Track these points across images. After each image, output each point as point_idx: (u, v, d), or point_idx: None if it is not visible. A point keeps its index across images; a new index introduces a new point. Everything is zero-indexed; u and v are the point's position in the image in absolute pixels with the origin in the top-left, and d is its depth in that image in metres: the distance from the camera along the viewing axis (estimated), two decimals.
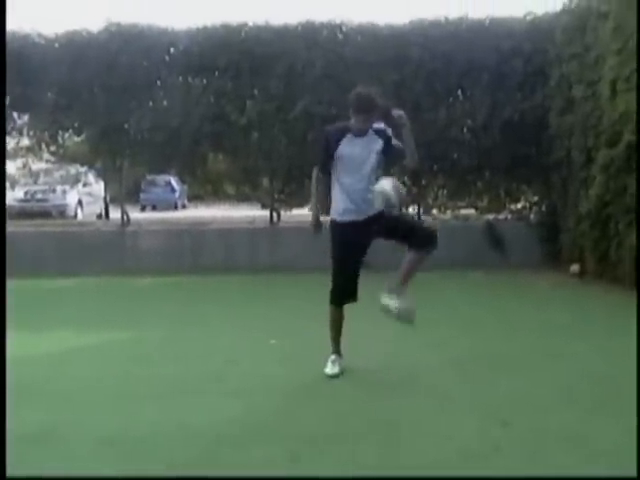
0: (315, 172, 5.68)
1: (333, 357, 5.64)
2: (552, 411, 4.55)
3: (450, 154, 12.54)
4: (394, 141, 5.55)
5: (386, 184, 5.31)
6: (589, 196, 10.37)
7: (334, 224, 5.61)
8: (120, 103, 12.66)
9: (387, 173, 5.72)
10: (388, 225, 5.45)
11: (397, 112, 5.46)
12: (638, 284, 7.47)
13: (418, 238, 5.44)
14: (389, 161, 5.71)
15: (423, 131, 12.20)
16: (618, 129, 9.46)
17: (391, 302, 5.45)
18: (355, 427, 4.31)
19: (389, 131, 5.58)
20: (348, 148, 5.46)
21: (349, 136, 5.48)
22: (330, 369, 5.54)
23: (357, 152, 5.46)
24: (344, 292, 5.60)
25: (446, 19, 12.52)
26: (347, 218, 5.52)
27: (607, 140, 9.82)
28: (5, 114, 8.64)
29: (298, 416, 4.56)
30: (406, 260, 5.47)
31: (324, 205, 5.85)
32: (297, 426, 4.35)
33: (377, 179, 5.45)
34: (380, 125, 5.56)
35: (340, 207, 5.54)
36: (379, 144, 5.51)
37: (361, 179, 5.48)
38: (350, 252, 5.55)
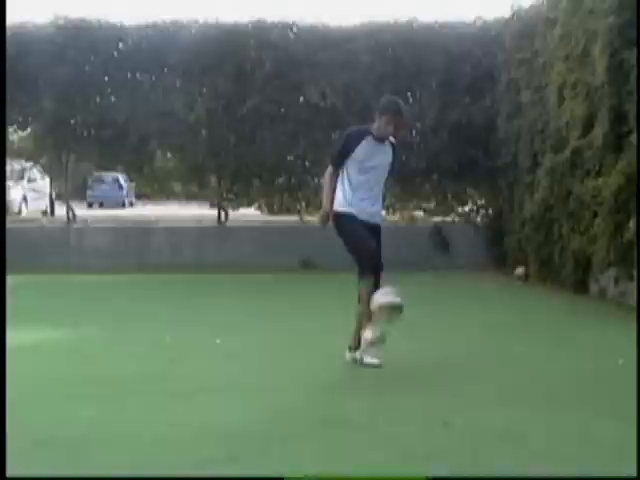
0: (329, 168, 5.76)
1: (370, 334, 5.55)
2: (493, 411, 4.58)
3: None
4: (397, 160, 5.81)
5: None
6: (534, 200, 10.51)
7: (338, 214, 5.66)
8: (66, 98, 12.48)
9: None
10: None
11: (392, 139, 5.71)
12: (638, 293, 7.58)
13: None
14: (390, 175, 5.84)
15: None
16: (564, 134, 9.62)
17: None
18: (296, 427, 4.28)
19: (397, 147, 5.77)
20: (366, 152, 5.57)
21: (369, 139, 5.58)
22: (367, 359, 5.66)
23: (374, 157, 5.58)
24: (373, 255, 5.58)
25: (396, 22, 12.58)
26: (351, 211, 5.59)
27: (553, 145, 9.98)
28: (5, 115, 8.43)
29: (239, 415, 4.51)
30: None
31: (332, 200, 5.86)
32: (237, 425, 4.30)
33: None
34: (393, 140, 5.73)
35: (345, 203, 5.62)
36: (391, 157, 5.68)
37: (371, 187, 5.61)
38: (362, 229, 5.59)
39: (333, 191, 5.73)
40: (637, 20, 7.59)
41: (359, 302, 5.63)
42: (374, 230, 5.67)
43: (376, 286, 5.57)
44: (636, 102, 7.54)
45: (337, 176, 5.70)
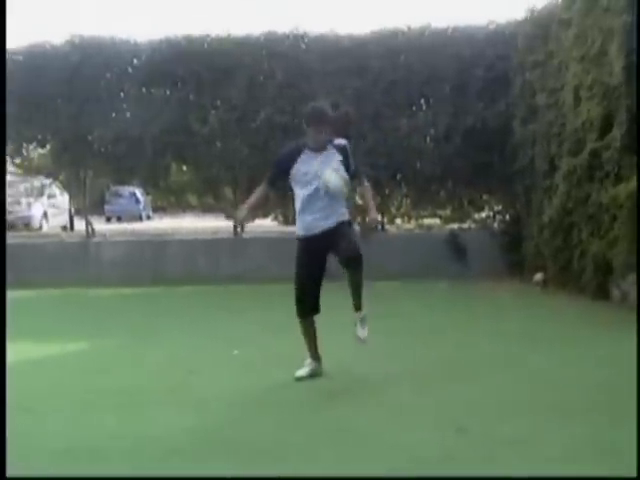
0: (262, 186, 5.77)
1: (308, 361, 5.70)
2: (506, 418, 4.52)
3: (413, 163, 12.56)
4: (350, 160, 5.60)
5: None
6: (552, 204, 10.40)
7: (297, 239, 5.66)
8: (83, 115, 12.60)
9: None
10: (334, 240, 5.45)
11: (340, 141, 5.59)
12: (639, 297, 7.45)
13: (344, 249, 5.39)
14: (350, 178, 5.68)
15: (385, 140, 12.26)
16: (581, 137, 9.50)
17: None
18: (310, 436, 4.26)
19: (348, 147, 5.62)
20: (304, 166, 5.48)
21: (306, 151, 5.50)
22: (298, 371, 5.62)
23: (314, 169, 5.46)
24: (301, 303, 5.62)
25: (409, 28, 12.55)
26: (304, 234, 5.56)
27: (570, 148, 9.85)
28: (5, 117, 8.50)
29: (253, 426, 4.50)
30: (349, 284, 5.54)
31: (254, 208, 5.96)
32: (251, 436, 4.29)
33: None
34: (341, 141, 5.61)
35: (299, 226, 5.61)
36: (340, 160, 5.52)
37: (319, 199, 5.47)
38: (306, 263, 5.58)
39: (255, 201, 5.78)
40: (637, 20, 7.48)
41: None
42: (330, 236, 5.46)
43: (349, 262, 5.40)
44: (636, 103, 7.41)
45: (266, 189, 5.73)
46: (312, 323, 5.69)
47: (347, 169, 5.53)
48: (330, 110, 5.58)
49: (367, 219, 5.76)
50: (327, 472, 3.66)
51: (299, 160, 5.48)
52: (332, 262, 5.57)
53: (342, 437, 4.22)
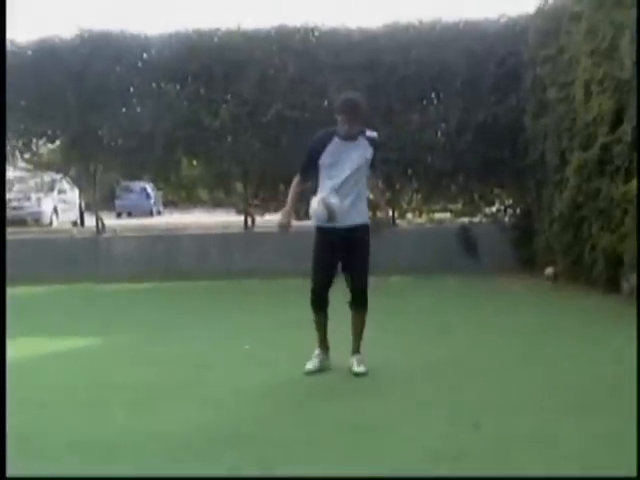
0: (296, 178, 5.70)
1: (317, 352, 5.71)
2: (522, 414, 4.52)
3: (424, 158, 12.55)
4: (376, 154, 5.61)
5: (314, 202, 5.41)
6: (563, 198, 10.38)
7: (316, 228, 5.62)
8: (93, 109, 12.59)
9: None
10: (350, 246, 5.49)
11: (372, 133, 5.57)
12: (638, 292, 7.42)
13: (353, 286, 5.55)
14: (371, 172, 5.73)
15: (396, 135, 12.23)
16: (592, 131, 9.48)
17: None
18: (325, 431, 4.27)
19: (377, 141, 5.62)
20: (334, 154, 5.45)
21: (335, 140, 5.47)
22: (307, 364, 5.62)
23: (342, 158, 5.45)
24: (316, 296, 5.61)
25: (420, 22, 12.53)
26: (325, 224, 5.50)
27: (581, 142, 9.83)
28: (5, 115, 8.53)
29: (268, 421, 4.51)
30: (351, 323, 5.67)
31: (296, 208, 5.84)
32: (267, 431, 4.30)
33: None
34: (373, 133, 5.59)
35: (322, 214, 5.48)
36: (370, 152, 5.53)
37: (344, 189, 5.46)
38: (326, 257, 5.55)
39: (296, 197, 5.68)
40: (637, 21, 7.44)
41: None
42: (350, 234, 5.48)
43: (356, 300, 5.58)
44: (636, 103, 7.36)
45: (302, 183, 5.69)
46: (322, 317, 5.68)
47: (372, 163, 5.58)
48: (363, 101, 5.56)
49: (378, 215, 5.73)
50: (342, 467, 3.67)
51: (327, 148, 5.46)
52: None
53: (356, 433, 4.23)
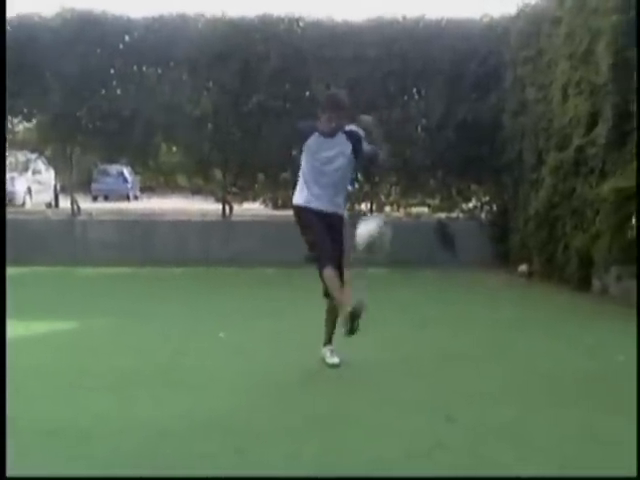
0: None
1: (330, 347, 5.65)
2: (496, 408, 4.61)
3: (404, 152, 12.62)
4: (365, 144, 5.60)
5: (371, 225, 5.39)
6: (538, 197, 10.54)
7: (297, 208, 5.63)
8: (72, 90, 12.47)
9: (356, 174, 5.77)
10: (330, 228, 5.53)
11: (365, 118, 5.61)
12: (638, 293, 7.55)
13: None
14: (359, 163, 5.77)
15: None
16: (568, 132, 9.64)
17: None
18: (301, 422, 4.32)
19: (360, 132, 5.61)
20: (313, 148, 5.50)
21: (315, 135, 5.51)
22: (332, 359, 5.58)
23: (322, 153, 5.49)
24: (331, 255, 5.49)
25: (404, 18, 12.59)
26: (308, 205, 5.55)
27: (557, 143, 9.99)
28: (5, 113, 8.44)
29: (244, 410, 4.55)
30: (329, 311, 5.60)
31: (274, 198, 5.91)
32: (243, 420, 4.34)
33: (350, 181, 5.67)
34: (352, 127, 5.60)
35: (302, 196, 5.58)
36: (349, 147, 5.55)
37: (326, 183, 5.52)
38: (319, 225, 5.53)
39: None
40: (637, 21, 7.56)
41: (325, 296, 5.57)
42: (329, 218, 5.55)
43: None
44: (636, 103, 7.50)
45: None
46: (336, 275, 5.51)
47: (357, 156, 5.57)
48: (347, 99, 5.59)
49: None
50: (318, 458, 3.73)
51: (309, 141, 5.51)
52: None
53: (332, 424, 4.29)
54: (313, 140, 5.51)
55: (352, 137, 5.55)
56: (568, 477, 3.56)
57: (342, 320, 5.34)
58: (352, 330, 5.27)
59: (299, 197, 5.63)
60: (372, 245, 5.41)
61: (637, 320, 6.98)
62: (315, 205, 5.54)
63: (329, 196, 5.55)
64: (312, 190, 5.54)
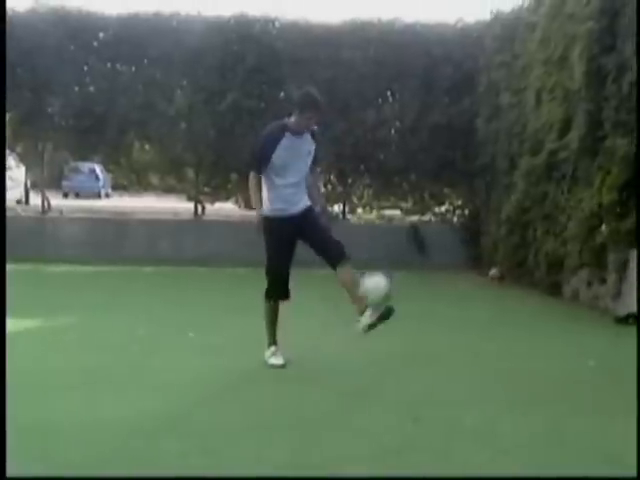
0: (252, 174, 5.60)
1: (273, 349, 5.62)
2: (465, 408, 4.62)
3: (377, 154, 12.68)
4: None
5: (381, 281, 5.43)
6: (510, 202, 10.60)
7: (264, 218, 5.59)
8: (45, 86, 12.37)
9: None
10: (307, 226, 5.54)
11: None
12: (638, 296, 7.59)
13: (331, 253, 5.49)
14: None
15: (351, 131, 12.33)
16: (541, 137, 9.71)
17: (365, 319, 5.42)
18: (271, 421, 4.31)
19: (317, 133, 5.66)
20: (286, 150, 5.46)
21: (288, 135, 5.47)
22: (275, 359, 5.54)
23: (294, 153, 5.49)
24: (279, 287, 5.58)
25: (379, 21, 12.62)
26: (277, 214, 5.53)
27: (530, 148, 10.05)
28: (5, 113, 8.32)
29: (213, 409, 4.53)
30: (341, 284, 5.53)
31: (245, 198, 5.90)
32: (212, 420, 4.31)
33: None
34: (313, 126, 5.61)
35: (270, 205, 5.55)
36: (313, 146, 5.59)
37: (294, 180, 5.53)
38: (282, 247, 5.56)
39: (258, 194, 5.61)
40: (637, 23, 7.56)
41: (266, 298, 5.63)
42: (301, 218, 5.56)
43: (339, 257, 5.49)
44: (636, 109, 7.50)
45: (258, 178, 5.59)
46: (278, 308, 5.66)
47: (314, 156, 5.62)
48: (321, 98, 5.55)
49: (317, 208, 5.72)
50: (286, 458, 3.70)
51: (280, 145, 5.45)
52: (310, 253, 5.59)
53: (300, 423, 4.27)
54: (285, 141, 5.47)
55: (315, 136, 5.61)
56: (569, 477, 3.54)
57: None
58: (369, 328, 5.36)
59: (265, 207, 5.56)
60: (387, 298, 5.42)
61: (637, 322, 7.01)
62: (283, 214, 5.52)
63: (299, 193, 5.57)
64: (282, 192, 5.51)
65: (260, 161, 5.53)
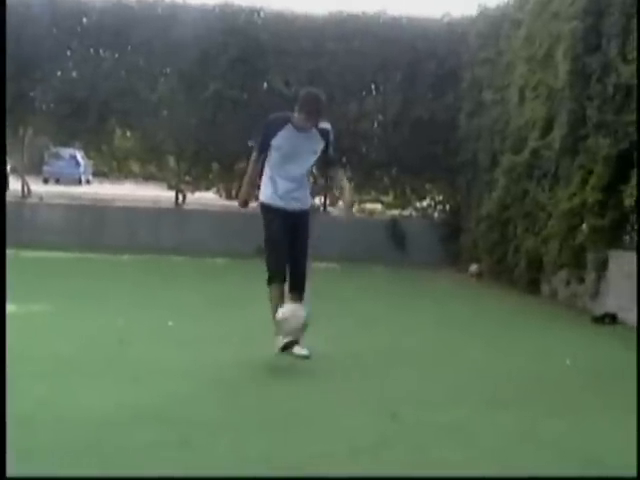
0: (253, 155, 5.71)
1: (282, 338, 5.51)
2: (442, 406, 4.62)
3: (359, 148, 12.67)
4: (331, 147, 5.61)
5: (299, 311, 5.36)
6: (491, 199, 10.62)
7: (263, 206, 5.65)
8: (26, 71, 12.25)
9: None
10: (293, 231, 5.56)
11: (325, 125, 5.55)
12: (639, 299, 7.65)
13: (294, 269, 5.57)
14: (320, 164, 5.84)
15: (333, 123, 12.24)
16: (523, 135, 9.72)
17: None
18: (247, 414, 4.29)
19: (332, 134, 5.61)
20: (286, 140, 5.46)
21: (289, 127, 5.47)
22: (302, 351, 5.47)
23: (294, 147, 5.48)
24: (279, 269, 5.54)
25: (364, 13, 12.60)
26: (274, 203, 5.57)
27: (512, 145, 10.07)
28: (5, 112, 8.20)
29: (190, 401, 4.49)
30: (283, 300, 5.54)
31: (254, 187, 5.93)
32: (188, 411, 4.28)
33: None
34: (327, 125, 5.59)
35: (268, 193, 5.61)
36: (321, 145, 5.55)
37: (293, 175, 5.54)
38: (280, 230, 5.55)
39: (254, 176, 5.73)
40: (637, 19, 7.54)
41: (268, 284, 5.61)
42: (296, 219, 5.59)
43: (296, 285, 5.56)
44: (636, 112, 7.50)
45: (260, 162, 5.65)
46: (282, 291, 5.59)
47: (324, 154, 5.58)
48: (324, 98, 5.61)
49: (344, 211, 5.79)
50: (264, 451, 3.69)
51: (280, 133, 5.46)
52: None
53: (276, 419, 4.26)
54: (286, 132, 5.48)
55: (325, 135, 5.56)
56: (569, 477, 3.54)
57: (277, 334, 5.38)
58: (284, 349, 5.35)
59: (264, 193, 5.65)
60: (305, 327, 5.37)
61: (637, 322, 7.04)
62: (280, 204, 5.55)
63: (294, 192, 5.58)
64: (278, 186, 5.55)
65: (261, 144, 5.59)
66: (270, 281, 5.59)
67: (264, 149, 5.58)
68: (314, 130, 5.50)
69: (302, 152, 5.52)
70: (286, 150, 5.48)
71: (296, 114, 5.46)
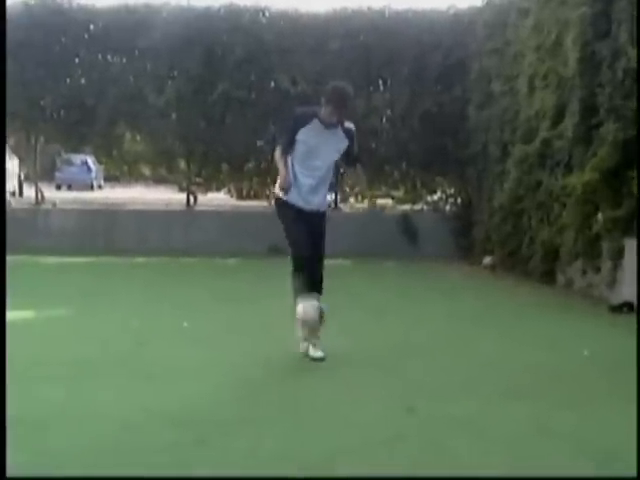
0: (278, 150, 5.65)
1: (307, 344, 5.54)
2: (456, 399, 4.60)
3: (368, 143, 12.61)
4: (355, 146, 5.61)
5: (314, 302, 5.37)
6: (503, 190, 10.56)
7: (280, 202, 5.63)
8: (36, 79, 12.34)
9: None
10: (312, 227, 5.53)
11: (350, 125, 5.53)
12: (639, 292, 7.53)
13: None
14: (342, 161, 5.80)
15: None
16: (534, 125, 9.66)
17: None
18: (263, 411, 4.29)
19: (354, 133, 5.60)
20: (312, 135, 5.44)
21: (315, 122, 5.45)
22: (317, 353, 5.44)
23: (320, 142, 5.45)
24: (304, 254, 5.47)
25: (369, 8, 12.58)
26: (293, 201, 5.54)
27: (523, 135, 10.00)
28: (5, 113, 8.26)
29: (205, 401, 4.50)
30: None
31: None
32: (205, 410, 4.29)
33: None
34: (351, 125, 5.57)
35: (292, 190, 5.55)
36: (344, 144, 5.54)
37: (315, 172, 5.51)
38: (301, 224, 5.51)
39: (286, 167, 5.57)
40: (637, 17, 7.50)
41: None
42: (312, 218, 5.57)
43: (314, 280, 5.50)
44: (636, 100, 7.44)
45: (286, 155, 5.57)
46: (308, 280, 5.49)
47: (348, 154, 5.58)
48: (351, 92, 5.58)
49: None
50: (280, 448, 3.68)
51: (307, 127, 5.44)
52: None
53: (293, 415, 4.25)
54: (312, 126, 5.45)
55: (350, 135, 5.55)
56: (570, 477, 3.49)
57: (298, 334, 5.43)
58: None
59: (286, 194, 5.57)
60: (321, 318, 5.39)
61: (637, 319, 6.98)
62: (296, 202, 5.52)
63: (314, 191, 5.54)
64: (297, 182, 5.50)
65: (288, 138, 5.52)
66: (296, 269, 5.49)
67: (290, 144, 5.52)
68: (339, 129, 5.47)
69: (327, 148, 5.48)
70: (311, 145, 5.45)
71: (323, 108, 5.45)
